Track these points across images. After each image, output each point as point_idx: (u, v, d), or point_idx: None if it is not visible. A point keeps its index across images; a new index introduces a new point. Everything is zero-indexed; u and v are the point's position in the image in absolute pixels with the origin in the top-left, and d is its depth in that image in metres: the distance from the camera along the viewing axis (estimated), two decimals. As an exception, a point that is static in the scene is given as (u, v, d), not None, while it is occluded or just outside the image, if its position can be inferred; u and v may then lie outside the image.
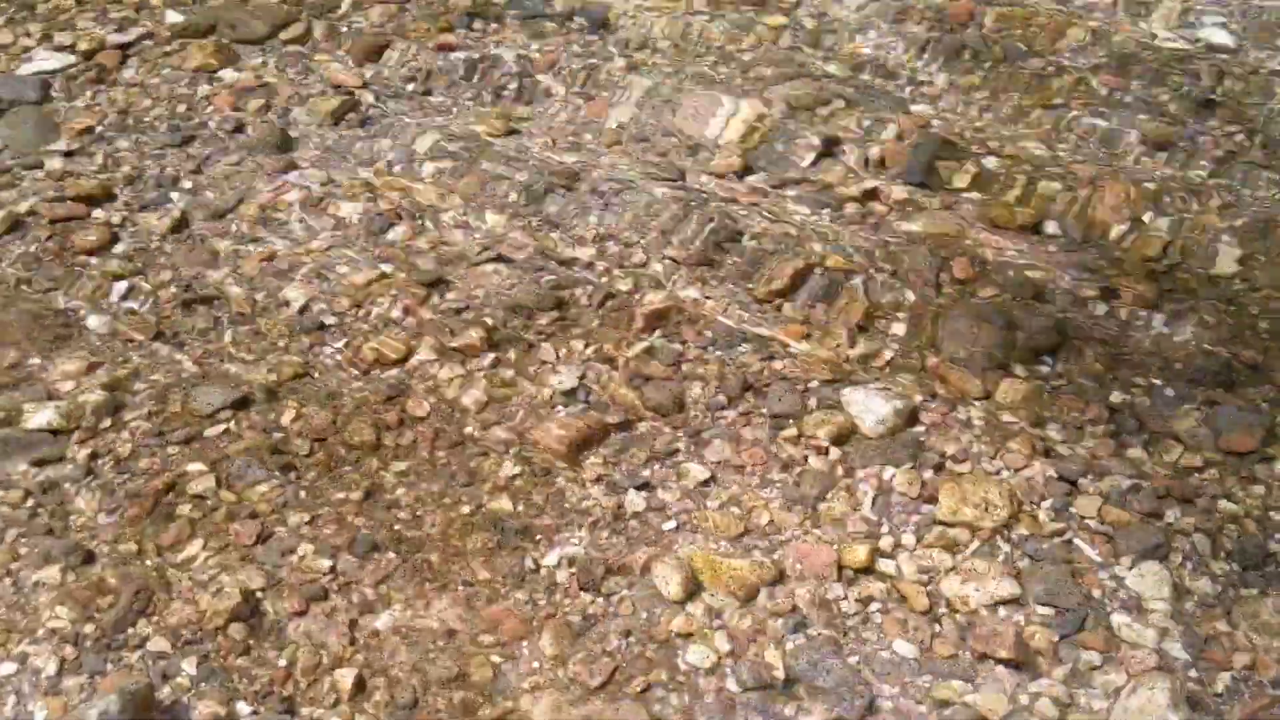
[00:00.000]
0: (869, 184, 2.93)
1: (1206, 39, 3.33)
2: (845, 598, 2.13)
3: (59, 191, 2.88)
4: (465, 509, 2.26)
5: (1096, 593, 2.14)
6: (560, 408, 2.44)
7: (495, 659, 2.04)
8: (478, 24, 3.44)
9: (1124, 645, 2.06)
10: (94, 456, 2.33)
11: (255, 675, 2.02)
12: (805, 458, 2.35)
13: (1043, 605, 2.12)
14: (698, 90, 3.18)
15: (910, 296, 2.66)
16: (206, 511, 2.24)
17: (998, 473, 2.32)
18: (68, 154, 3.01)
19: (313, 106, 3.16)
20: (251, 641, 2.06)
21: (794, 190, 2.94)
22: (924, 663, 2.05)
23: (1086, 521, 2.25)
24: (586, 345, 2.56)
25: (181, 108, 3.15)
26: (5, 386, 2.46)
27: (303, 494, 2.28)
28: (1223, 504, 2.27)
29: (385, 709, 1.98)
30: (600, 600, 2.13)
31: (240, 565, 2.16)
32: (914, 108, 3.17)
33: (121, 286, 2.68)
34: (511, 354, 2.55)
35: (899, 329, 2.60)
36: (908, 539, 2.22)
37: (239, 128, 3.10)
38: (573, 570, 2.17)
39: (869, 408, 2.42)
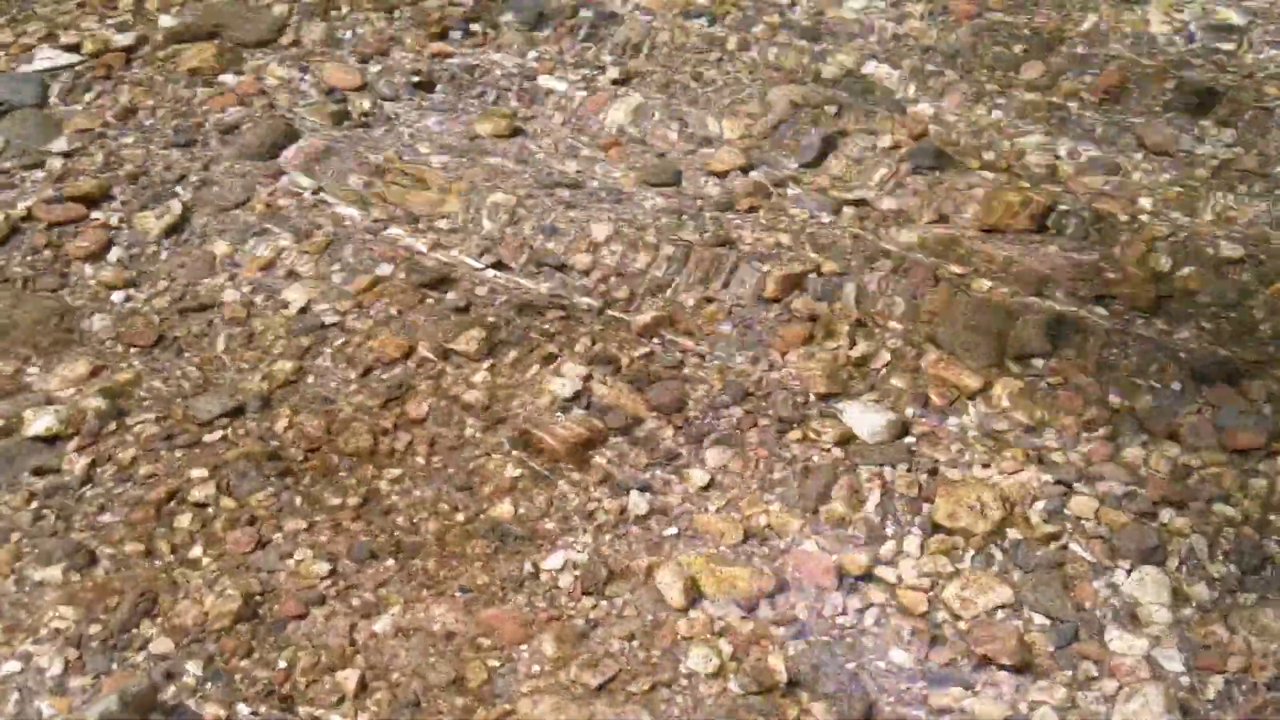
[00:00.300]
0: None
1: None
2: (844, 605, 2.15)
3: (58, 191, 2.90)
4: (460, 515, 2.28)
5: (1090, 601, 2.16)
6: (560, 413, 2.46)
7: (493, 662, 2.06)
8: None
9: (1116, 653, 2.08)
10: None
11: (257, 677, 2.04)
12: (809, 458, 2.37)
13: (1038, 611, 2.14)
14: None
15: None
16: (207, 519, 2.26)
17: (991, 478, 2.34)
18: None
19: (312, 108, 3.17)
20: (253, 643, 2.08)
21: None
22: (922, 669, 2.07)
23: (1083, 524, 2.27)
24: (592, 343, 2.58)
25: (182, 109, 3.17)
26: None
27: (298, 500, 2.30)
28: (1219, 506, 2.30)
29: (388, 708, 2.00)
30: (603, 604, 2.14)
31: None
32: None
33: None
34: (513, 353, 2.56)
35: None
36: (909, 544, 2.24)
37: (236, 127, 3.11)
38: (576, 574, 2.18)
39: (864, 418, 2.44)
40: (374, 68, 3.28)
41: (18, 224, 2.82)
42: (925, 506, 2.28)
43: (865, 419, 2.42)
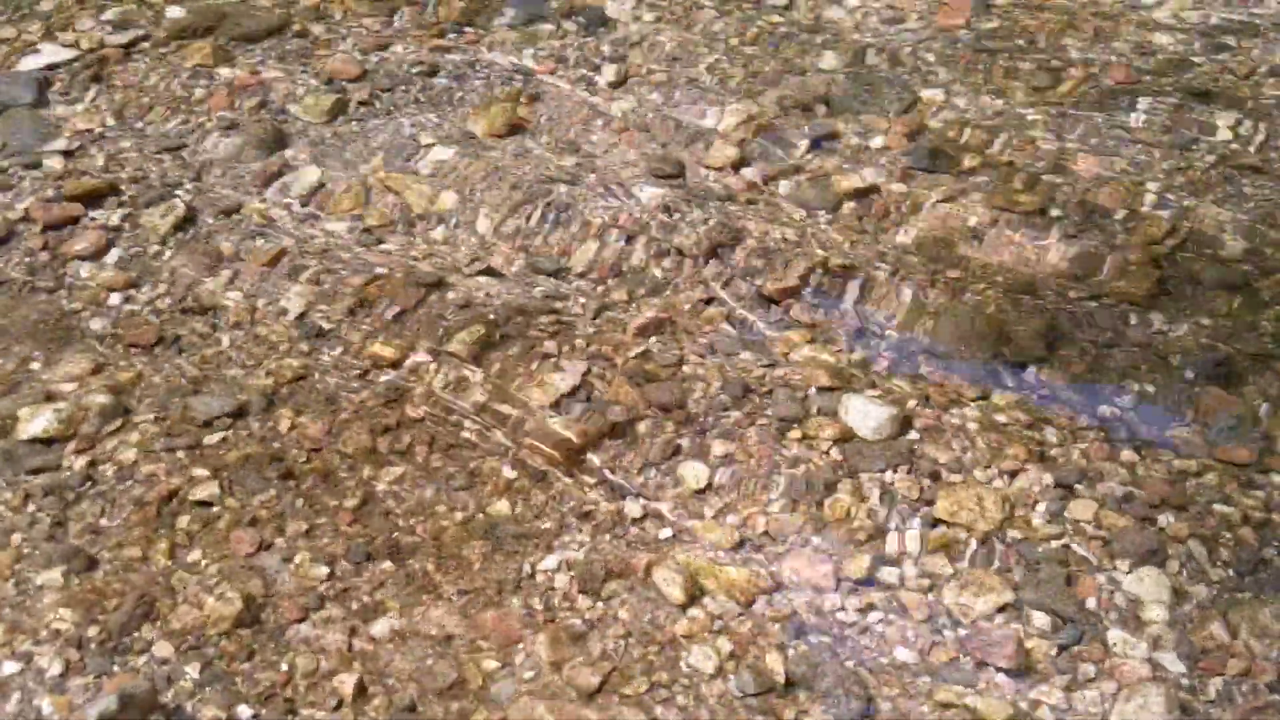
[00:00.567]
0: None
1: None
2: (844, 606, 2.15)
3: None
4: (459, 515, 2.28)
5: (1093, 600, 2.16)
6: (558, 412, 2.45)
7: (490, 664, 2.06)
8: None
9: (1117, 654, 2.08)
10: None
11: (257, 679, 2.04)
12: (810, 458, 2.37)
13: (1039, 611, 2.14)
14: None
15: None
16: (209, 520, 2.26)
17: (991, 480, 2.34)
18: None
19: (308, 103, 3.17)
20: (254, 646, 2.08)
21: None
22: (924, 667, 2.07)
23: (1083, 525, 2.26)
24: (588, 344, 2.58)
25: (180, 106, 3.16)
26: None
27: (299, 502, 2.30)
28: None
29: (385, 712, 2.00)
30: (600, 604, 2.14)
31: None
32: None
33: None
34: (512, 352, 2.56)
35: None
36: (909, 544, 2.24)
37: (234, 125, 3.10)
38: (572, 574, 2.18)
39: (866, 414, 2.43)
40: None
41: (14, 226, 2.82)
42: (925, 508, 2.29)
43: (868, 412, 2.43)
